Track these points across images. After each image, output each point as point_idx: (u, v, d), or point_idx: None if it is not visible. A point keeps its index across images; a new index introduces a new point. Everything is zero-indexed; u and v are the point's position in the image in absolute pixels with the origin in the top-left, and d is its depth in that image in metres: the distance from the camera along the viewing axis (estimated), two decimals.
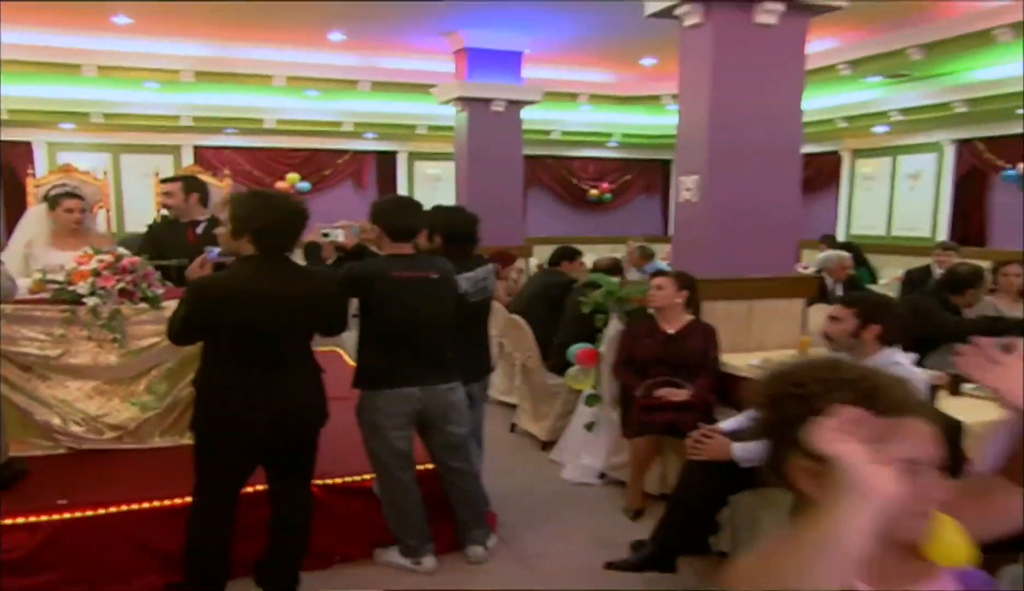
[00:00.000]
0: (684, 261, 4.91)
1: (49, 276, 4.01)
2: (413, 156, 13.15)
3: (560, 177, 14.05)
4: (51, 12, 7.39)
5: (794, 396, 1.19)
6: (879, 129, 10.93)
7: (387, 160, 13.16)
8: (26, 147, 11.42)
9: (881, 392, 1.16)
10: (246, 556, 3.25)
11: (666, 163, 14.13)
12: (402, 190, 13.10)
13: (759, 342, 4.84)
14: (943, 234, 10.59)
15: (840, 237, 11.87)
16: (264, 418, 2.98)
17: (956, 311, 4.83)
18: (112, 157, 11.84)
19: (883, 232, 11.49)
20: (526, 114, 9.50)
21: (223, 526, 3.09)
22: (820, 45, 8.40)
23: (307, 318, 3.12)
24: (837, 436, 0.98)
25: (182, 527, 3.12)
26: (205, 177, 6.21)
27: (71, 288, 3.90)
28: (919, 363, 4.33)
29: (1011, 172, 9.71)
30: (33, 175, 7.46)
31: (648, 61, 9.64)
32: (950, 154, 10.70)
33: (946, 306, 4.81)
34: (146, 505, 3.44)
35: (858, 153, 12.13)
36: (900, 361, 3.10)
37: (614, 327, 4.74)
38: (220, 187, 6.61)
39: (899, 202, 11.44)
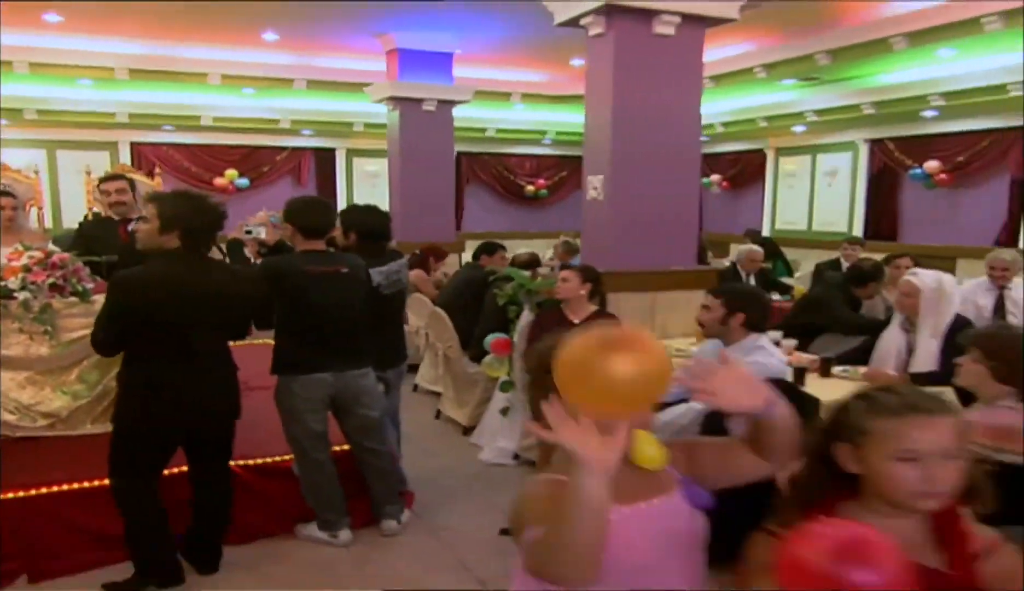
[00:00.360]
0: (592, 256, 5.27)
1: None
2: (351, 153, 13.36)
3: (497, 174, 14.38)
4: None
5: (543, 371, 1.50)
6: (798, 128, 11.47)
7: (326, 157, 13.36)
8: None
9: None
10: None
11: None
12: (341, 186, 13.32)
13: (662, 331, 5.21)
14: (858, 229, 11.17)
15: (765, 232, 12.42)
16: (180, 413, 3.24)
17: (858, 303, 5.27)
18: (48, 153, 11.84)
19: (804, 227, 12.06)
20: (462, 112, 9.78)
21: (152, 503, 3.33)
22: (737, 49, 8.88)
23: (223, 313, 3.34)
24: (557, 421, 1.31)
25: (112, 507, 3.36)
26: (138, 175, 6.38)
27: (2, 283, 4.09)
28: (807, 348, 4.77)
29: (918, 171, 10.30)
30: None
31: (577, 62, 9.97)
32: (864, 153, 11.29)
33: (850, 298, 5.25)
34: (76, 486, 3.66)
35: (781, 151, 12.69)
36: (763, 345, 3.48)
37: (525, 318, 5.07)
38: (152, 185, 6.77)
39: (818, 198, 12.03)
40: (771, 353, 3.47)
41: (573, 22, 5.24)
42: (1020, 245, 9.42)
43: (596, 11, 4.97)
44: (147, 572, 3.38)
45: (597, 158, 5.21)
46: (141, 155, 12.22)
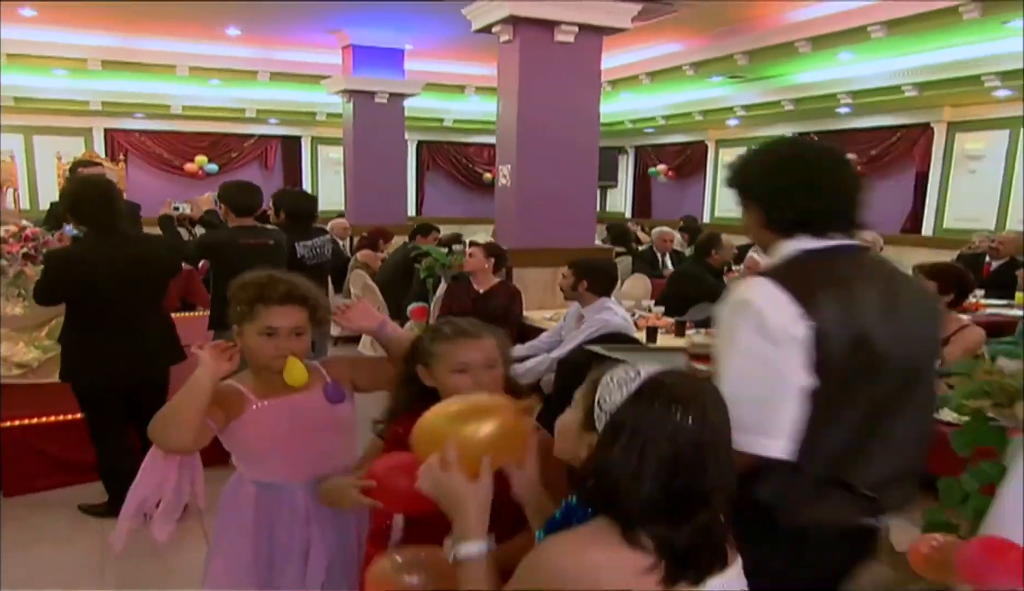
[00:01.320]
0: (502, 235, 6.02)
1: None
2: (316, 140, 14.04)
3: (457, 162, 15.10)
4: None
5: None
6: (731, 122, 12.26)
7: (292, 144, 14.04)
8: None
9: None
10: None
11: None
12: (306, 172, 14.02)
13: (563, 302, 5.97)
14: None
15: (706, 218, 13.22)
16: (110, 367, 3.78)
17: (718, 272, 6.06)
18: (24, 139, 12.44)
19: (738, 214, 12.78)
20: (420, 103, 10.48)
21: (117, 440, 3.97)
22: (667, 48, 9.63)
23: (143, 280, 3.84)
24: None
25: (75, 439, 4.04)
26: (106, 162, 7.07)
27: None
28: (683, 314, 5.54)
29: None
30: None
31: None
32: None
33: (709, 269, 6.03)
34: (44, 420, 4.39)
35: (720, 143, 13.48)
36: (609, 306, 4.25)
37: (441, 289, 5.82)
38: (115, 170, 7.47)
39: None
40: (615, 313, 4.23)
41: (487, 29, 5.97)
42: (923, 231, 10.28)
43: (504, 20, 5.70)
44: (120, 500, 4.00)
45: (506, 150, 5.96)
46: (114, 141, 12.85)
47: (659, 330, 4.72)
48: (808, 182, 1.77)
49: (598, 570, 1.18)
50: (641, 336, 4.55)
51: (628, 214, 15.11)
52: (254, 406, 2.15)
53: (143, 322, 3.86)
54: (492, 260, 5.40)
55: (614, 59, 10.36)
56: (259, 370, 2.19)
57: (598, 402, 1.28)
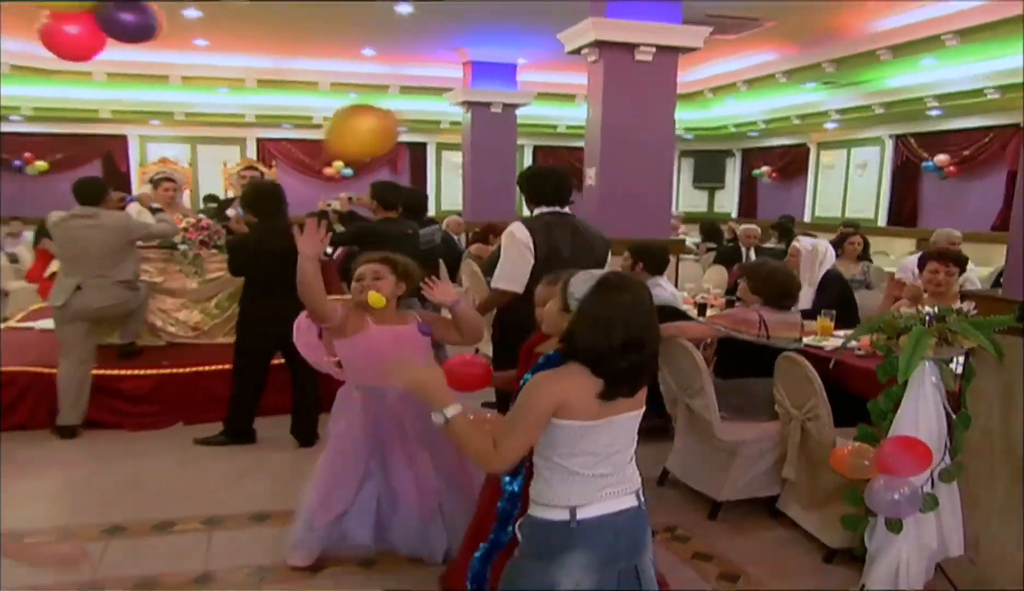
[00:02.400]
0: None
1: None
2: (440, 146, 15.30)
3: (569, 165, 16.00)
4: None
5: None
6: (830, 125, 12.64)
7: (418, 150, 15.36)
8: (122, 139, 13.94)
9: None
10: (278, 405, 5.28)
11: None
12: (431, 175, 15.30)
13: None
14: (884, 216, 12.27)
15: (806, 217, 13.63)
16: (273, 325, 4.72)
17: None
18: (191, 147, 14.28)
19: (838, 214, 13.17)
20: (535, 111, 11.44)
21: (252, 383, 5.13)
22: (761, 57, 10.26)
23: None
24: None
25: (229, 382, 5.22)
26: (262, 166, 8.42)
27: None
28: None
29: (929, 163, 11.37)
30: (128, 165, 9.80)
31: None
32: (889, 147, 12.36)
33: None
34: (208, 368, 5.63)
35: (822, 145, 13.84)
36: (660, 283, 5.07)
37: None
38: (269, 173, 8.83)
39: (851, 188, 13.14)
40: (664, 288, 5.06)
41: (577, 51, 6.88)
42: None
43: (591, 44, 6.60)
44: (229, 432, 5.09)
45: (592, 154, 6.85)
46: (265, 149, 14.51)
47: (708, 307, 5.51)
48: (538, 181, 4.10)
49: (571, 388, 1.98)
50: (693, 311, 5.38)
51: (734, 214, 15.62)
52: (371, 328, 3.17)
53: (293, 291, 4.97)
54: None
55: (712, 68, 11.07)
56: (365, 308, 3.21)
57: (570, 293, 2.12)
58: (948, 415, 2.79)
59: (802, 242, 5.60)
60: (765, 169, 14.82)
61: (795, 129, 13.23)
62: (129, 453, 4.91)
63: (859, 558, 2.99)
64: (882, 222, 12.44)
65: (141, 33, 4.33)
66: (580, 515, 1.98)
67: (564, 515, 1.98)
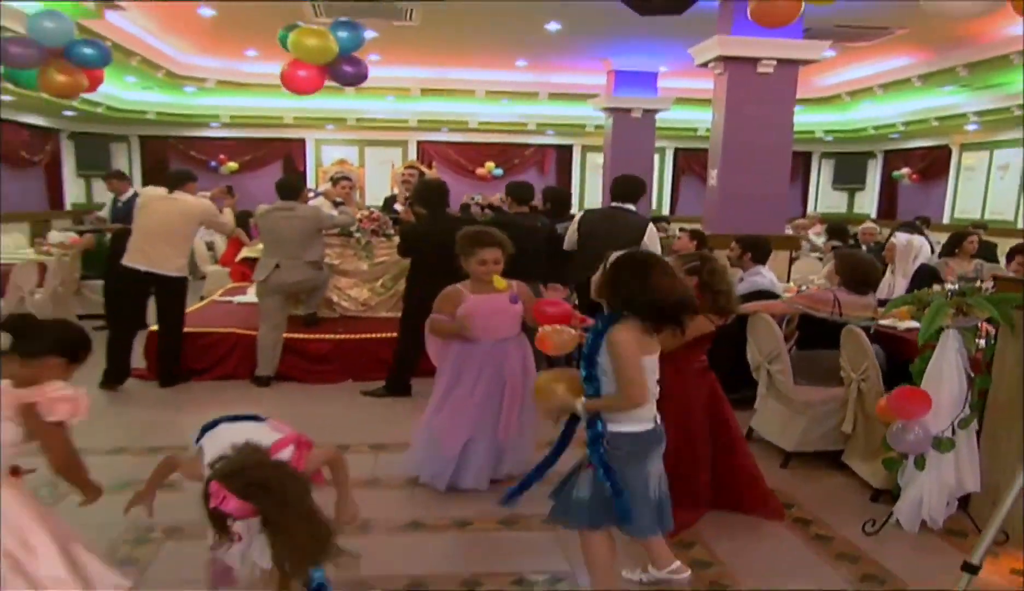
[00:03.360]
0: (708, 223, 7.57)
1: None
2: (585, 149, 16.14)
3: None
4: None
5: None
6: (971, 127, 12.52)
7: (564, 152, 16.28)
8: (301, 142, 15.63)
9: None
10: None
11: (805, 155, 16.40)
12: (576, 175, 16.18)
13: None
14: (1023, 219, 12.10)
15: (945, 219, 13.58)
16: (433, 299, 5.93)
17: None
18: (359, 149, 15.80)
19: (977, 216, 12.98)
20: (676, 115, 12.07)
21: (415, 345, 6.14)
22: (897, 62, 10.50)
23: (453, 244, 6.02)
24: None
25: (386, 349, 6.26)
26: (422, 167, 9.56)
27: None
28: None
29: None
30: (305, 165, 11.20)
31: None
32: None
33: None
34: (373, 336, 6.71)
35: (965, 147, 13.67)
36: (761, 272, 5.69)
37: None
38: (430, 173, 9.97)
39: (992, 190, 12.95)
40: (764, 276, 5.68)
41: (704, 65, 7.55)
42: None
43: (716, 59, 7.26)
44: (390, 386, 6.10)
45: (715, 157, 7.50)
46: (424, 151, 15.84)
47: None
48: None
49: (632, 336, 2.78)
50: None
51: (873, 215, 15.57)
52: (470, 299, 4.06)
53: (452, 271, 5.98)
54: (695, 242, 6.99)
55: (848, 73, 11.36)
56: (475, 281, 4.09)
57: (607, 267, 2.93)
58: (968, 376, 3.38)
59: (898, 238, 6.08)
60: (905, 171, 14.74)
61: (935, 131, 13.16)
62: (310, 400, 6.03)
63: (896, 496, 3.61)
64: (1022, 224, 12.24)
65: (356, 80, 5.85)
66: (640, 428, 2.80)
67: (649, 425, 2.81)
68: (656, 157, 15.64)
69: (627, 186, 6.10)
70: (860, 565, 3.36)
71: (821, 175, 16.95)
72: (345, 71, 6.62)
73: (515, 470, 4.12)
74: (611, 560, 2.94)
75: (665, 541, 3.12)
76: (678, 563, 3.12)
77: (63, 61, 6.40)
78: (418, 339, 5.98)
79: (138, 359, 6.35)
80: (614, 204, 6.10)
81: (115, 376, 6.09)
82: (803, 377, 4.53)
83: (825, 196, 16.83)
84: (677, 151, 16.44)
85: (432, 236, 5.59)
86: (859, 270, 4.72)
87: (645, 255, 2.92)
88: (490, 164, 15.66)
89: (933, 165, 14.38)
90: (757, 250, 5.74)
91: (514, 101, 13.86)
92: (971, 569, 2.40)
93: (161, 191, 6.28)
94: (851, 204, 16.61)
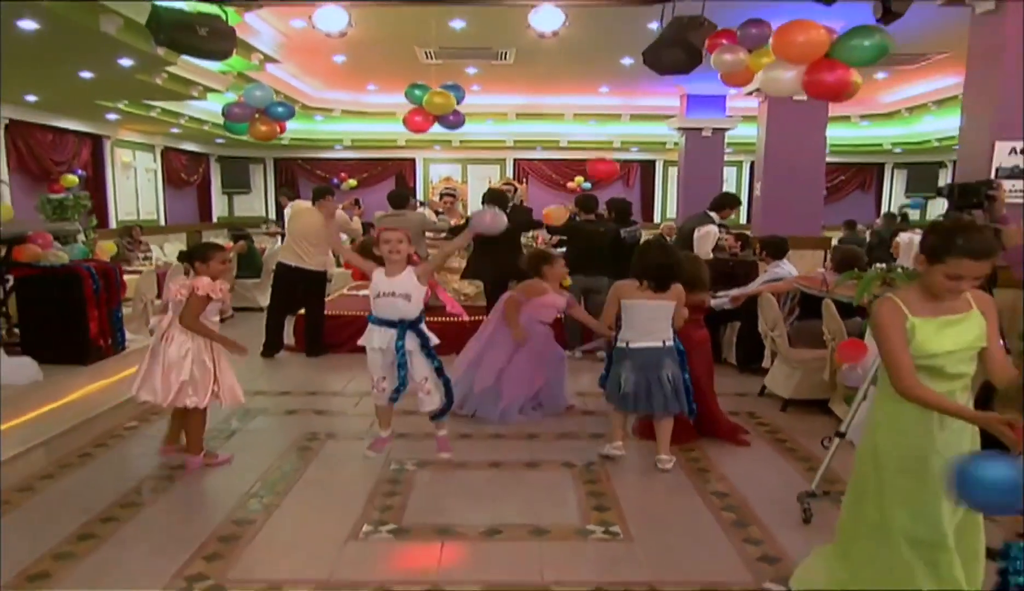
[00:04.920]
0: (755, 227, 8.94)
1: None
2: (667, 163, 17.51)
3: None
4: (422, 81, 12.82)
5: None
6: None
7: (648, 166, 17.71)
8: (411, 161, 17.59)
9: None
10: None
11: (879, 166, 17.34)
12: (658, 187, 17.61)
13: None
14: None
15: None
16: (496, 277, 7.58)
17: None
18: (462, 167, 17.64)
19: None
20: (747, 131, 13.41)
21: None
22: (945, 81, 11.51)
23: (510, 232, 7.75)
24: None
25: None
26: (515, 183, 11.25)
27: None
28: None
29: None
30: (415, 181, 13.09)
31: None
32: None
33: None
34: (471, 319, 8.39)
35: None
36: (781, 265, 7.05)
37: None
38: (519, 187, 11.65)
39: None
40: (783, 268, 7.01)
41: (750, 94, 8.93)
42: None
43: (758, 90, 8.65)
44: None
45: (759, 171, 8.89)
46: (519, 167, 17.55)
47: None
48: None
49: (628, 289, 4.44)
50: None
51: None
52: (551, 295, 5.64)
53: (513, 258, 7.56)
54: (739, 242, 8.38)
55: (904, 91, 12.42)
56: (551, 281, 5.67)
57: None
58: None
59: (901, 237, 7.38)
60: None
61: None
62: None
63: None
64: None
65: (456, 126, 8.19)
66: (631, 345, 4.37)
67: (623, 344, 4.38)
68: (734, 170, 16.98)
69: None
70: (811, 462, 4.77)
71: (895, 184, 17.81)
72: (449, 119, 8.81)
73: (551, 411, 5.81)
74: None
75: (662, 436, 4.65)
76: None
77: (264, 116, 8.70)
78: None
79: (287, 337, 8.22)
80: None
81: (271, 348, 7.90)
82: (801, 342, 5.92)
83: (898, 204, 17.66)
84: (752, 164, 17.63)
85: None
86: (847, 257, 6.08)
87: (654, 241, 4.54)
88: (579, 178, 17.21)
89: None
90: (774, 247, 7.13)
91: (600, 122, 15.42)
92: (840, 435, 3.84)
93: (307, 204, 8.11)
94: (924, 211, 17.42)
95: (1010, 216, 4.87)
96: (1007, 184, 5.24)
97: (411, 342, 4.60)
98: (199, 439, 4.60)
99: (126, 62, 7.09)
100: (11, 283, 6.08)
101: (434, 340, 4.68)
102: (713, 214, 8.00)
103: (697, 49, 6.10)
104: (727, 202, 8.10)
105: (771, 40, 5.77)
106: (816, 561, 2.99)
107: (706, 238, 7.94)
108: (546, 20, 6.66)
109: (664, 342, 4.47)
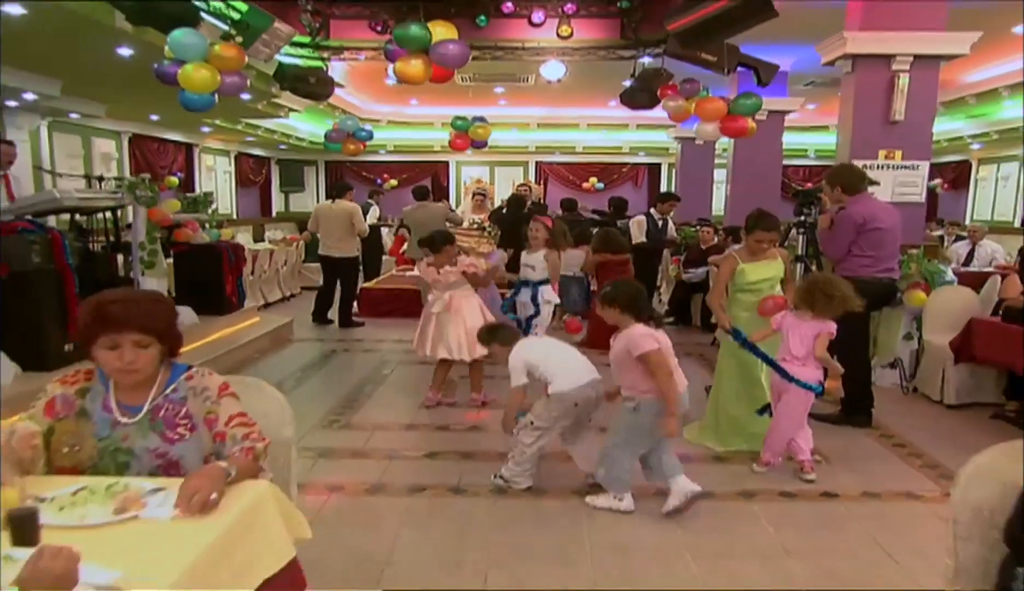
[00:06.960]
0: (731, 219, 11.13)
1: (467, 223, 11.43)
2: (670, 166, 19.65)
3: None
4: (458, 96, 15.03)
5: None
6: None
7: (654, 168, 19.90)
8: (445, 164, 19.91)
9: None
10: None
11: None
12: (664, 187, 19.77)
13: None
14: None
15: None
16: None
17: None
18: (490, 169, 19.93)
19: (987, 217, 15.33)
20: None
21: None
22: None
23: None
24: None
25: None
26: (531, 183, 13.53)
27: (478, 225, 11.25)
28: None
29: None
30: (448, 181, 15.49)
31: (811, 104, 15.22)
32: None
33: None
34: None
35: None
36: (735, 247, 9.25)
37: None
38: (536, 188, 13.93)
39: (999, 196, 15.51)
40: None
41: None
42: None
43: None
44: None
45: (729, 174, 11.06)
46: (540, 169, 19.82)
47: None
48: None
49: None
50: None
51: None
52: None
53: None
54: (714, 233, 10.55)
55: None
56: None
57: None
58: None
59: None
60: (938, 181, 17.43)
61: (947, 150, 15.91)
62: None
63: None
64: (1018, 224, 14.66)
65: (483, 146, 10.14)
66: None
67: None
68: (724, 172, 18.97)
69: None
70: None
71: None
72: (477, 143, 11.65)
73: None
74: None
75: None
76: None
77: (351, 137, 11.23)
78: None
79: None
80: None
81: (318, 317, 9.86)
82: None
83: None
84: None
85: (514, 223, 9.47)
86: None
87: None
88: (593, 179, 19.46)
89: (959, 176, 17.00)
90: (733, 233, 9.34)
91: (610, 131, 17.68)
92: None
93: (328, 202, 10.02)
94: None
95: (829, 212, 6.10)
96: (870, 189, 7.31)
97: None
98: (481, 380, 6.15)
99: (246, 96, 9.42)
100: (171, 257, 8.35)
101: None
102: (652, 210, 9.96)
103: (655, 94, 8.39)
104: (665, 198, 10.13)
105: (694, 107, 8.29)
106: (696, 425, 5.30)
107: (637, 225, 9.89)
108: (552, 71, 9.01)
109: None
